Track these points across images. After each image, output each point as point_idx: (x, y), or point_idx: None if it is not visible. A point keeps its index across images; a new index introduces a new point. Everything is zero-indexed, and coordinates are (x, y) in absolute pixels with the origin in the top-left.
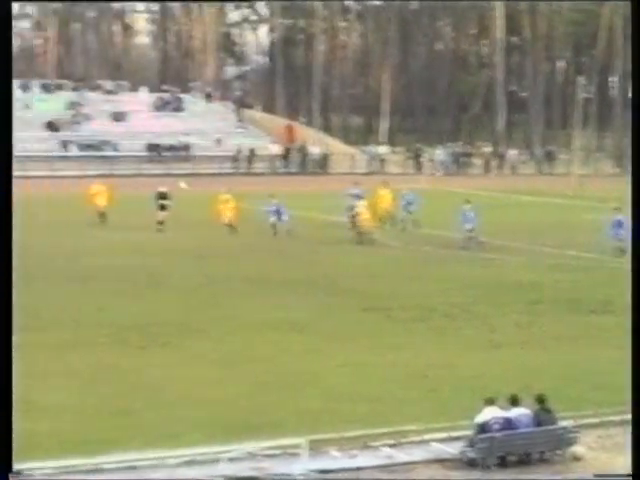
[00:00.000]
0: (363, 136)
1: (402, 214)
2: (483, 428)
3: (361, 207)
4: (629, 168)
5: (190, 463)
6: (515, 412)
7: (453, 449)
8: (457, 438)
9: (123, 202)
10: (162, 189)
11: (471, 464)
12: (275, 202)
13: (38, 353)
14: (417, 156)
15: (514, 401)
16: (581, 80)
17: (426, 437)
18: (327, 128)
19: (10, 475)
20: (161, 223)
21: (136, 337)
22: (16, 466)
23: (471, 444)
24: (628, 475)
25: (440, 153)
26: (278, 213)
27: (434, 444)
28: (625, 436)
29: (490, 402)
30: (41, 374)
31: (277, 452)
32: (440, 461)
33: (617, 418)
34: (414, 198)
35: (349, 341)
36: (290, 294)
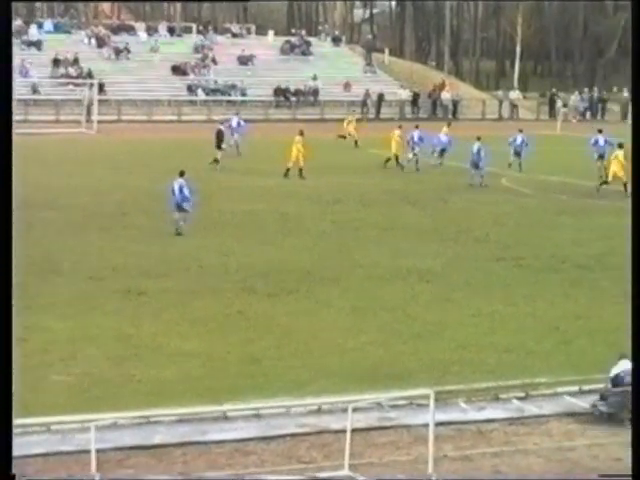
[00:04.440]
0: (495, 81)
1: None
2: (616, 381)
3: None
4: None
5: (317, 412)
6: None
7: (585, 403)
8: (589, 391)
9: (250, 147)
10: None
11: (603, 418)
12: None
13: (164, 299)
14: (552, 102)
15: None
16: None
17: (557, 390)
18: (457, 73)
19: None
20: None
21: (263, 284)
22: (143, 412)
23: (603, 398)
24: (629, 475)
25: (575, 98)
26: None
27: (565, 397)
28: None
29: (625, 355)
30: (167, 321)
31: (405, 403)
32: (571, 415)
33: None
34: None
35: (480, 291)
36: (420, 242)
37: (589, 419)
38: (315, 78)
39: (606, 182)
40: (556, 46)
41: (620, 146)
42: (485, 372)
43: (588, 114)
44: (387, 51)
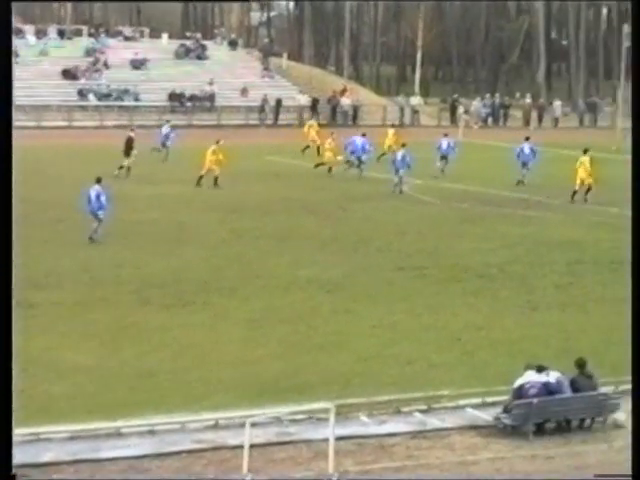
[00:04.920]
0: (396, 86)
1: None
2: (519, 393)
3: None
4: None
5: (214, 427)
6: (554, 377)
7: (488, 415)
8: (492, 404)
9: (146, 154)
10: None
11: (507, 431)
12: None
13: (55, 312)
14: (453, 107)
15: (542, 369)
16: (626, 28)
17: (460, 402)
18: (357, 78)
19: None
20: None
21: (158, 295)
22: (32, 429)
23: (507, 410)
24: (628, 475)
25: (477, 104)
26: None
27: (468, 410)
28: None
29: (530, 366)
30: (59, 334)
31: (304, 417)
32: (474, 428)
33: None
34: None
35: (381, 302)
36: (320, 252)
37: (492, 432)
38: (211, 83)
39: (575, 192)
40: (458, 51)
41: (585, 152)
42: (387, 384)
43: (490, 120)
44: (285, 55)
